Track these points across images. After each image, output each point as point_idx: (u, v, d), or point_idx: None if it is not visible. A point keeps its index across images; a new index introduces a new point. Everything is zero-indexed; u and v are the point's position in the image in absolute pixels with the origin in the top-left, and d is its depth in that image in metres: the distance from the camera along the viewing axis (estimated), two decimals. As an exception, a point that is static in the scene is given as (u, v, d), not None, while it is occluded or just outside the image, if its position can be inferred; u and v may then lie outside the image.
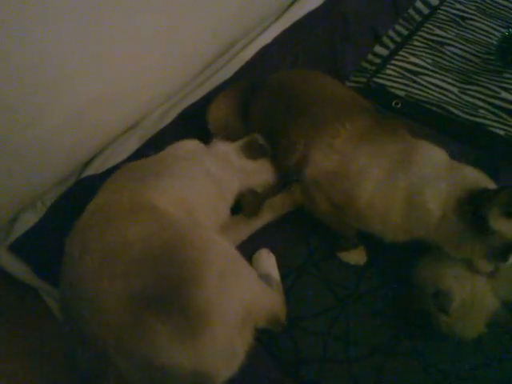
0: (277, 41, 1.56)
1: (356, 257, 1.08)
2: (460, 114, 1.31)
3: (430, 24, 1.58)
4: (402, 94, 1.37)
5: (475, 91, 1.36)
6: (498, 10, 1.62)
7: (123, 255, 0.78)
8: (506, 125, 1.28)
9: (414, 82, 1.40)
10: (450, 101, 1.35)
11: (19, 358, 1.06)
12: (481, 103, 1.33)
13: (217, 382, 0.78)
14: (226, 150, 1.10)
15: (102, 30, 1.03)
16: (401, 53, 1.49)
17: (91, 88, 1.08)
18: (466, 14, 1.60)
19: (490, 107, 1.32)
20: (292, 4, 1.68)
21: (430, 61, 1.46)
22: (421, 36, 1.54)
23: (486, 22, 1.57)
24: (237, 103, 1.24)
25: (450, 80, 1.40)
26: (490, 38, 1.52)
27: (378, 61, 1.51)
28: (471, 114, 1.31)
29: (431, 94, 1.37)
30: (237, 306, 0.80)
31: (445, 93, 1.37)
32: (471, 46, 1.50)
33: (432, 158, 0.95)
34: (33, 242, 1.15)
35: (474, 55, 1.47)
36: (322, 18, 1.62)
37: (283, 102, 1.09)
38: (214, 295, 0.77)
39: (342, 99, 1.07)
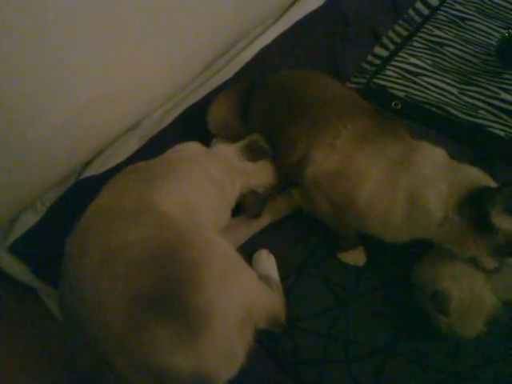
0: (277, 41, 1.56)
1: (355, 257, 1.08)
2: (460, 114, 1.31)
3: (430, 25, 1.58)
4: (401, 94, 1.38)
5: (475, 92, 1.36)
6: (497, 11, 1.63)
7: (123, 256, 0.78)
8: (505, 126, 1.28)
9: (414, 82, 1.40)
10: (450, 102, 1.35)
11: (19, 359, 1.06)
12: (480, 104, 1.33)
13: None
14: (227, 153, 1.10)
15: (101, 29, 1.03)
16: (400, 54, 1.49)
17: (91, 88, 1.08)
18: (465, 15, 1.61)
19: (489, 108, 1.32)
20: (292, 4, 1.68)
21: (429, 62, 1.46)
22: (420, 37, 1.54)
23: (485, 22, 1.58)
24: (237, 103, 1.24)
25: (449, 81, 1.40)
26: (489, 38, 1.52)
27: (377, 62, 1.51)
28: (471, 115, 1.31)
29: (431, 95, 1.37)
30: (237, 307, 0.80)
31: (444, 94, 1.37)
32: (471, 47, 1.51)
33: (432, 158, 0.95)
34: (32, 242, 1.14)
35: (474, 56, 1.48)
36: (323, 19, 1.62)
37: (284, 102, 1.09)
38: (215, 296, 0.77)
39: (342, 99, 1.07)
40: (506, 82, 1.38)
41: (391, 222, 0.93)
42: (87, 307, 0.75)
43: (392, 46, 1.55)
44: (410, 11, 1.66)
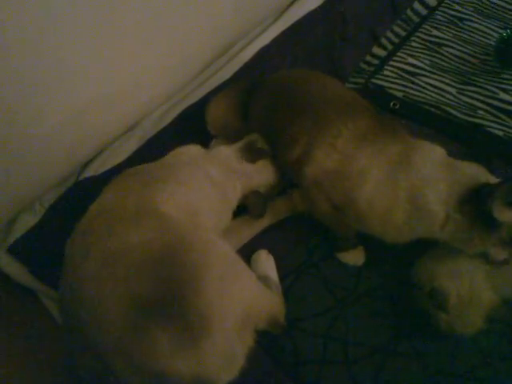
0: (276, 41, 1.56)
1: (354, 257, 1.08)
2: (458, 114, 1.31)
3: (428, 25, 1.58)
4: (399, 95, 1.38)
5: (473, 92, 1.37)
6: (495, 11, 1.63)
7: (124, 258, 0.78)
8: (504, 125, 1.28)
9: (412, 82, 1.40)
10: (448, 101, 1.35)
11: (18, 361, 1.05)
12: (479, 104, 1.34)
13: None
14: (227, 154, 1.10)
15: (101, 29, 1.03)
16: (399, 54, 1.49)
17: (91, 88, 1.08)
18: (463, 15, 1.61)
19: (488, 108, 1.32)
20: (291, 4, 1.68)
21: (427, 62, 1.46)
22: (419, 37, 1.54)
23: (483, 23, 1.58)
24: (236, 103, 1.23)
25: (447, 81, 1.40)
26: (487, 39, 1.52)
27: (376, 62, 1.51)
28: (469, 115, 1.31)
29: (429, 95, 1.37)
30: (237, 309, 0.80)
31: (443, 94, 1.37)
32: (469, 47, 1.51)
33: (432, 157, 0.95)
34: (31, 243, 1.14)
35: (472, 56, 1.48)
36: (321, 19, 1.62)
37: (284, 101, 1.09)
38: (215, 299, 0.77)
39: (343, 99, 1.07)
40: (505, 81, 1.38)
41: (392, 222, 0.93)
42: (87, 309, 0.75)
43: (390, 46, 1.55)
44: (408, 11, 1.66)
